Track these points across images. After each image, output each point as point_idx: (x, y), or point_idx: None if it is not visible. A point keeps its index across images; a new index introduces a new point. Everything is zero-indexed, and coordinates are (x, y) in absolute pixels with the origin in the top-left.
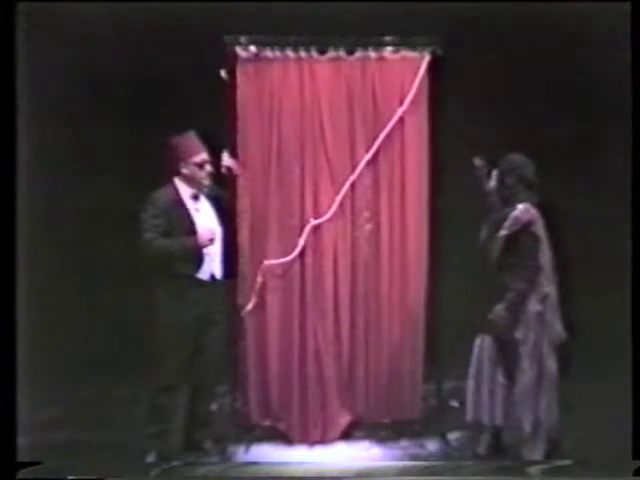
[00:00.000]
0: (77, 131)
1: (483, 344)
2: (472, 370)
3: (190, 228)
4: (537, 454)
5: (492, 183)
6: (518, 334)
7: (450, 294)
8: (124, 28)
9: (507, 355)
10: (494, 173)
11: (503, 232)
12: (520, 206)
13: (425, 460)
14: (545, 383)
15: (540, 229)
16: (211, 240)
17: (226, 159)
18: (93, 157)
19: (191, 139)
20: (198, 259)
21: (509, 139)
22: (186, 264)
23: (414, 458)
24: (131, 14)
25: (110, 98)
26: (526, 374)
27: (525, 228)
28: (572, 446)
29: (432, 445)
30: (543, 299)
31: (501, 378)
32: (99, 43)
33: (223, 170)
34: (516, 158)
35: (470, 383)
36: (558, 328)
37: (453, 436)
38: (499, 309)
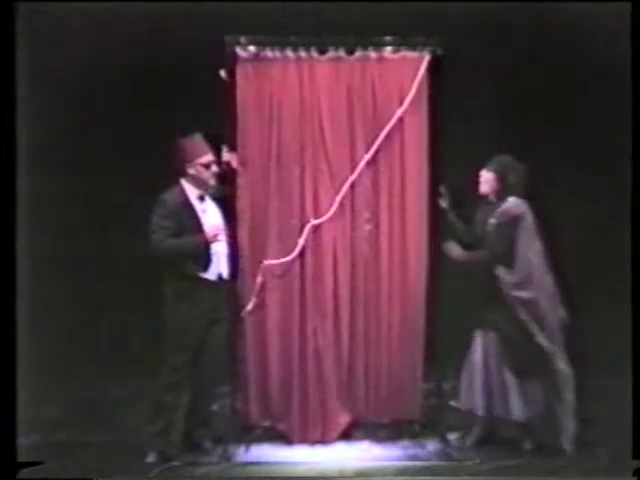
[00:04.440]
0: (77, 130)
1: (488, 340)
2: (478, 366)
3: (198, 229)
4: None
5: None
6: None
7: (450, 294)
8: (124, 28)
9: (514, 348)
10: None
11: (492, 221)
12: (511, 199)
13: (425, 460)
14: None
15: (529, 222)
16: (216, 235)
17: (225, 154)
18: (92, 156)
19: (197, 140)
20: (206, 259)
21: (509, 139)
22: (194, 265)
23: (414, 458)
24: (131, 14)
25: (110, 98)
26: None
27: (514, 221)
28: (572, 446)
29: (432, 445)
30: (536, 288)
31: (509, 371)
32: (99, 43)
33: (222, 166)
34: (505, 160)
35: (478, 380)
36: (560, 313)
37: (453, 436)
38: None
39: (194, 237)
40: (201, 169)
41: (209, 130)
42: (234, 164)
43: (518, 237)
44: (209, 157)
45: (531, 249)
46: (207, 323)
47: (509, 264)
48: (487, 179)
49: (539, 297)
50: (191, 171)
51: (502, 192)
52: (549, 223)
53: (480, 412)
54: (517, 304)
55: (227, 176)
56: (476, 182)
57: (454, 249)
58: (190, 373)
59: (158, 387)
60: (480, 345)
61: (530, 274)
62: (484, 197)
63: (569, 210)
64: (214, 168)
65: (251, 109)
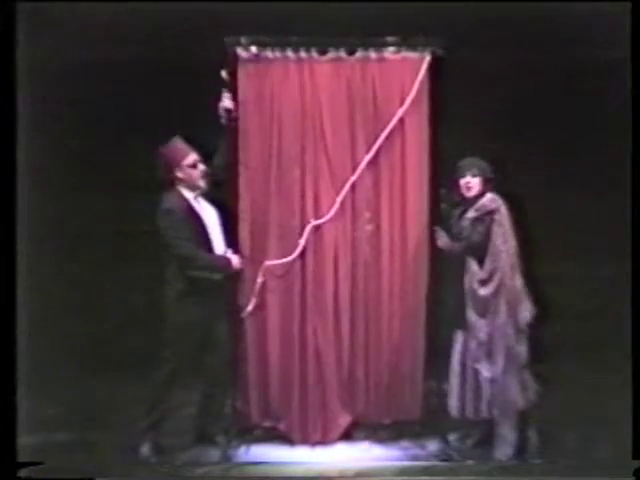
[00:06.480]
0: (77, 131)
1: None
2: (457, 368)
3: (204, 233)
4: (508, 442)
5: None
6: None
7: (450, 294)
8: (124, 28)
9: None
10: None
11: (469, 215)
12: (489, 195)
13: (425, 460)
14: (515, 368)
15: (503, 218)
16: (242, 266)
17: (226, 100)
18: (92, 156)
19: (178, 144)
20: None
21: (509, 139)
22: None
23: (414, 458)
24: (131, 14)
25: (110, 98)
26: (496, 362)
27: (489, 215)
28: (572, 446)
29: (432, 445)
30: (499, 284)
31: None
32: (99, 43)
33: (220, 112)
34: (479, 163)
35: (455, 380)
36: (524, 312)
37: (453, 437)
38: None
39: (222, 260)
40: (189, 170)
41: (209, 131)
42: (234, 113)
43: (492, 232)
44: (194, 157)
45: (504, 245)
46: (209, 323)
47: (482, 259)
48: (475, 184)
49: (494, 296)
50: (180, 175)
51: (484, 191)
52: (548, 222)
53: (454, 413)
54: (473, 299)
55: (235, 119)
56: (459, 188)
57: (441, 238)
58: (191, 373)
59: (155, 388)
60: (459, 346)
61: (495, 270)
62: (471, 199)
63: (568, 210)
64: (201, 167)
65: (252, 110)
